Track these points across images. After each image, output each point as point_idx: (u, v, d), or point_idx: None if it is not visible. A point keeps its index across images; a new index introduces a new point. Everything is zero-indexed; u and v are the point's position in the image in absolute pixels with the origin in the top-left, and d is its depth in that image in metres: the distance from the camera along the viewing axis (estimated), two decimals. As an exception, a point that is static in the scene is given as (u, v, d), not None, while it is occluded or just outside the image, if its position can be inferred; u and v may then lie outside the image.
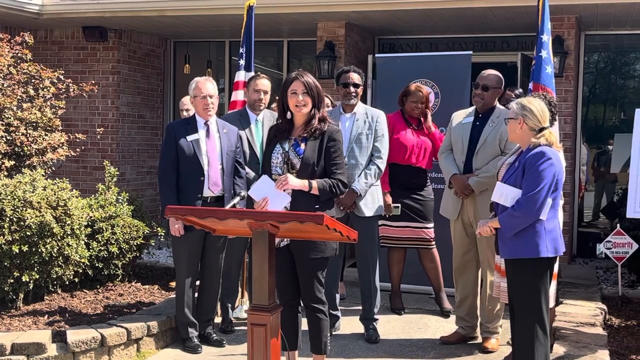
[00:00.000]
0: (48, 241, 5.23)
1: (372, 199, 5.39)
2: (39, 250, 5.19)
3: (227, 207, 4.41)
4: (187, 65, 10.20)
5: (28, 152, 5.96)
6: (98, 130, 8.28)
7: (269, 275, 3.53)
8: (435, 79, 6.77)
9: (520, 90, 6.30)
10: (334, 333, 5.42)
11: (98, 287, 6.10)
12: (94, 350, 4.74)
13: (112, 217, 6.08)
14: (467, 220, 5.19)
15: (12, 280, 5.19)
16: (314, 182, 4.10)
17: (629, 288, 6.77)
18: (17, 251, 5.09)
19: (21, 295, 5.40)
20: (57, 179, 5.70)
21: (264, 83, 5.56)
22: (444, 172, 5.36)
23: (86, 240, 5.76)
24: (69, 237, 5.39)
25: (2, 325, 5.00)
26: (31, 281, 5.25)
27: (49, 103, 6.31)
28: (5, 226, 5.09)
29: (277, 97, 4.41)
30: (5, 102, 5.89)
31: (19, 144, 5.91)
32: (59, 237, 5.29)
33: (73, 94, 6.53)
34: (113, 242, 5.99)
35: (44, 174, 5.87)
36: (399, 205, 5.93)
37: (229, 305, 5.67)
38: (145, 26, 9.27)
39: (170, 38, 10.26)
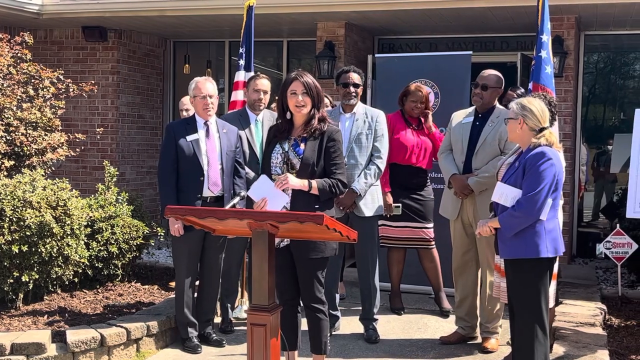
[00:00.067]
0: (48, 241, 5.23)
1: (372, 199, 5.39)
2: (39, 250, 5.19)
3: (227, 207, 4.41)
4: (187, 65, 10.20)
5: (28, 152, 5.96)
6: (98, 130, 8.28)
7: (269, 275, 3.53)
8: (435, 79, 6.77)
9: (523, 90, 6.30)
10: (333, 333, 5.42)
11: (98, 287, 6.10)
12: (93, 350, 4.74)
13: (111, 217, 6.08)
14: (467, 220, 5.19)
15: (11, 280, 5.19)
16: (314, 182, 4.10)
17: (629, 288, 6.77)
18: (17, 251, 5.09)
19: (21, 295, 5.40)
20: (56, 179, 5.70)
21: (264, 83, 5.56)
22: (444, 172, 5.36)
23: (86, 240, 5.76)
24: (69, 237, 5.39)
25: (2, 325, 4.99)
26: (31, 281, 5.25)
27: (48, 103, 6.31)
28: (5, 226, 5.09)
29: (276, 97, 4.41)
30: (5, 102, 5.89)
31: (18, 144, 5.91)
32: (58, 237, 5.29)
33: (73, 94, 6.53)
34: (113, 242, 5.99)
35: (43, 174, 5.86)
36: (400, 205, 5.93)
37: (229, 305, 5.67)
38: (145, 26, 9.27)
39: (170, 38, 10.26)
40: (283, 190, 4.04)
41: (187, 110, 6.25)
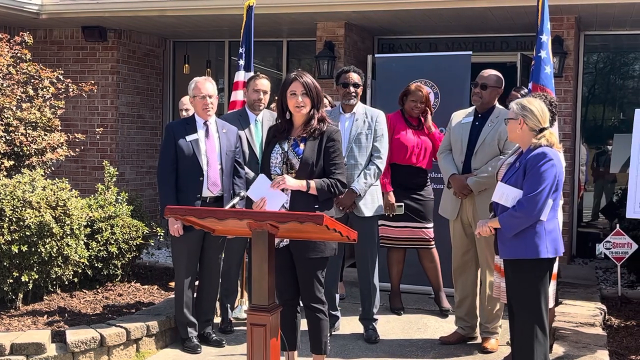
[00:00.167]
0: (47, 241, 5.23)
1: (372, 199, 5.38)
2: (39, 250, 5.18)
3: (227, 207, 4.41)
4: (187, 65, 10.19)
5: (27, 152, 5.96)
6: (97, 130, 8.28)
7: (269, 276, 3.53)
8: (435, 79, 6.77)
9: (527, 90, 6.29)
10: (333, 333, 5.42)
11: (97, 287, 6.10)
12: (93, 351, 4.74)
13: (111, 217, 6.08)
14: (466, 220, 5.19)
15: (11, 280, 5.19)
16: (312, 182, 4.10)
17: (629, 288, 6.77)
18: (17, 251, 5.08)
19: (20, 295, 5.40)
20: (56, 179, 5.70)
21: (264, 83, 5.56)
22: (443, 172, 5.37)
23: (85, 240, 5.76)
24: (69, 237, 5.39)
25: (2, 325, 4.99)
26: (30, 281, 5.24)
27: (48, 103, 6.31)
28: (5, 226, 5.08)
29: (276, 97, 4.41)
30: (5, 102, 5.89)
31: (18, 144, 5.90)
32: (58, 237, 5.29)
33: (72, 93, 6.53)
34: (112, 242, 5.98)
35: (43, 174, 5.86)
36: (402, 204, 5.93)
37: (229, 305, 5.66)
38: (144, 26, 9.27)
39: (170, 38, 10.25)
40: (282, 190, 4.04)
41: (187, 110, 6.25)
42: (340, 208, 5.22)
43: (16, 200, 5.17)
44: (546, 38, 5.34)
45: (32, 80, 6.31)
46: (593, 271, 7.71)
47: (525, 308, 4.05)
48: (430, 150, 6.00)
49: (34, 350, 4.51)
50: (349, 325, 5.70)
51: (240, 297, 5.97)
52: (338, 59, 8.35)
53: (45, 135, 6.12)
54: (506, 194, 4.03)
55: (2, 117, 5.91)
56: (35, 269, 5.25)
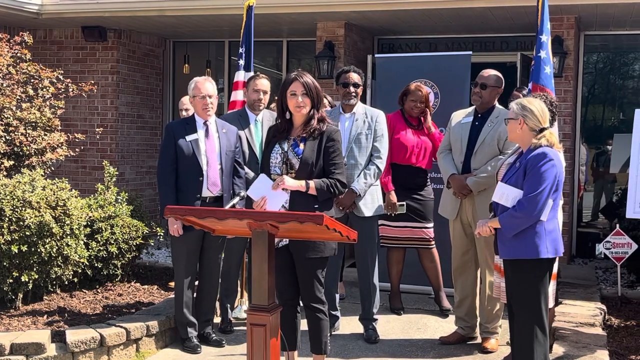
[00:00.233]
0: (47, 241, 5.22)
1: (372, 199, 5.38)
2: (38, 250, 5.18)
3: (227, 207, 4.41)
4: (187, 65, 10.19)
5: (27, 152, 5.96)
6: (97, 130, 8.28)
7: (269, 275, 3.53)
8: (435, 79, 6.77)
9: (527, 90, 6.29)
10: (333, 333, 5.41)
11: (97, 287, 6.10)
12: (93, 351, 4.74)
13: (111, 217, 6.08)
14: (466, 220, 5.19)
15: (11, 280, 5.19)
16: (311, 182, 4.10)
17: (629, 288, 6.77)
18: (17, 251, 5.08)
19: (20, 295, 5.40)
20: (56, 178, 5.69)
21: (264, 83, 5.56)
22: (442, 172, 5.37)
23: (85, 240, 5.76)
24: (68, 237, 5.39)
25: (2, 325, 4.99)
26: (30, 281, 5.24)
27: (48, 103, 6.31)
28: (5, 226, 5.08)
29: (276, 97, 4.41)
30: (5, 101, 5.89)
31: (18, 144, 5.90)
32: (58, 237, 5.29)
33: (72, 93, 6.53)
34: (112, 242, 5.98)
35: (43, 173, 5.86)
36: (404, 203, 5.93)
37: (228, 305, 5.66)
38: (144, 26, 9.27)
39: (170, 38, 10.25)
40: (282, 189, 4.05)
41: (187, 110, 6.25)
42: (340, 208, 5.22)
43: (16, 200, 5.17)
44: (546, 38, 5.34)
45: (32, 80, 6.31)
46: (593, 271, 7.70)
47: (525, 308, 4.05)
48: (430, 150, 6.00)
49: (33, 350, 4.51)
50: (349, 325, 5.70)
51: (240, 297, 5.97)
52: (338, 59, 8.35)
53: (45, 135, 6.12)
54: (506, 194, 4.03)
55: (2, 117, 5.91)
56: (35, 269, 5.25)
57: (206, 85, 5.08)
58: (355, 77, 5.39)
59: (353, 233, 3.61)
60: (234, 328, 5.62)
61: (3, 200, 5.14)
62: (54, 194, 5.40)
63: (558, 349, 4.78)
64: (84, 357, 4.70)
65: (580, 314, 5.57)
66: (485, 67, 5.35)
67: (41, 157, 6.06)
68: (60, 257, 5.36)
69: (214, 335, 5.33)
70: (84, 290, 5.98)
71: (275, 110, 4.50)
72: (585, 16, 7.82)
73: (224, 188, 5.09)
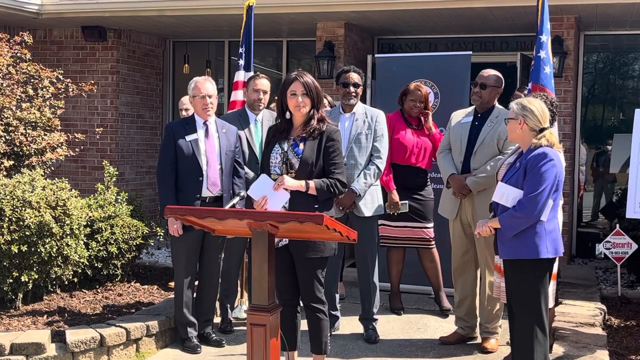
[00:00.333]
0: (47, 241, 5.22)
1: (372, 199, 5.38)
2: (38, 250, 5.18)
3: (227, 207, 4.41)
4: (187, 65, 10.19)
5: (27, 152, 5.96)
6: (97, 130, 8.28)
7: (269, 275, 3.53)
8: (435, 79, 6.76)
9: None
10: (333, 333, 5.41)
11: (97, 287, 6.09)
12: (93, 351, 4.74)
13: (111, 217, 6.08)
14: (466, 220, 5.19)
15: (11, 280, 5.18)
16: (311, 182, 4.10)
17: (628, 288, 6.77)
18: (16, 251, 5.08)
19: (20, 295, 5.40)
20: (56, 178, 5.69)
21: (263, 83, 5.55)
22: (442, 172, 5.36)
23: (85, 240, 5.75)
24: (68, 237, 5.38)
25: (2, 325, 4.99)
26: (30, 281, 5.24)
27: (48, 103, 6.30)
28: (5, 226, 5.08)
29: (276, 97, 4.41)
30: (5, 101, 5.89)
31: (18, 144, 5.90)
32: (58, 237, 5.29)
33: (72, 93, 6.52)
34: (112, 242, 5.98)
35: (43, 173, 5.86)
36: (407, 202, 5.93)
37: (228, 305, 5.66)
38: (144, 26, 9.26)
39: (170, 38, 10.25)
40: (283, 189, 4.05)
41: (187, 110, 6.25)
42: (340, 208, 5.22)
43: (16, 200, 5.17)
44: (546, 38, 5.34)
45: (32, 80, 6.30)
46: (593, 271, 7.70)
47: (525, 308, 4.05)
48: (430, 150, 6.00)
49: (33, 350, 4.51)
50: (349, 325, 5.70)
51: (240, 297, 5.97)
52: (338, 59, 8.35)
53: (45, 135, 6.12)
54: (506, 194, 4.03)
55: (2, 117, 5.90)
56: (35, 269, 5.24)
57: (206, 85, 5.08)
58: (355, 77, 5.39)
59: (353, 233, 3.61)
60: (234, 328, 5.62)
61: (3, 200, 5.14)
62: (54, 194, 5.40)
63: (558, 349, 4.78)
64: (83, 357, 4.70)
65: (580, 314, 5.57)
66: (485, 67, 5.35)
67: (41, 157, 6.06)
68: (60, 257, 5.36)
69: (214, 335, 5.33)
70: (84, 290, 5.98)
71: (275, 110, 4.50)
72: (585, 16, 7.82)
73: (224, 188, 5.09)
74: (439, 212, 5.51)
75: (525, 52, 8.08)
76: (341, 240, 3.63)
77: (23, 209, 5.15)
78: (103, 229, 5.98)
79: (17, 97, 6.04)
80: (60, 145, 6.19)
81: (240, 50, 6.33)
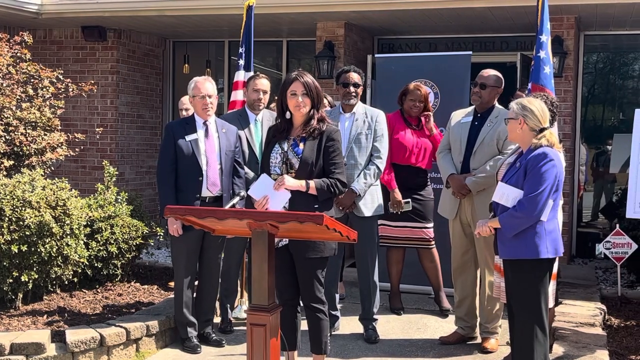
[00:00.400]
0: (47, 241, 5.22)
1: (372, 199, 5.38)
2: (38, 250, 5.18)
3: (227, 207, 4.41)
4: (186, 65, 10.19)
5: (27, 152, 5.96)
6: (97, 130, 8.28)
7: (269, 275, 3.53)
8: (435, 79, 6.77)
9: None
10: (333, 333, 5.41)
11: (97, 287, 6.09)
12: (93, 350, 4.74)
13: (111, 217, 6.08)
14: (465, 220, 5.19)
15: (11, 280, 5.18)
16: (312, 182, 4.10)
17: (628, 288, 6.77)
18: (16, 251, 5.08)
19: (20, 295, 5.40)
20: (56, 178, 5.69)
21: (263, 83, 5.55)
22: (442, 172, 5.37)
23: (85, 240, 5.75)
24: (68, 237, 5.38)
25: (1, 325, 4.99)
26: (30, 281, 5.24)
27: (48, 103, 6.31)
28: (5, 226, 5.08)
29: (276, 97, 4.41)
30: (5, 101, 5.89)
31: (18, 144, 5.90)
32: (58, 237, 5.29)
33: (72, 93, 6.52)
34: (112, 242, 5.98)
35: (43, 173, 5.86)
36: (410, 200, 5.93)
37: (228, 305, 5.66)
38: (144, 26, 9.26)
39: (170, 38, 10.25)
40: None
41: (187, 109, 6.24)
42: (340, 208, 5.22)
43: (16, 200, 5.17)
44: (546, 38, 5.34)
45: (32, 80, 6.31)
46: (593, 271, 7.71)
47: (525, 308, 4.05)
48: (430, 150, 5.99)
49: (33, 350, 4.51)
50: (349, 325, 5.70)
51: (240, 297, 5.97)
52: (338, 59, 8.35)
53: (45, 135, 6.12)
54: (506, 194, 4.03)
55: (2, 116, 5.90)
56: (35, 269, 5.24)
57: (206, 85, 5.08)
58: (355, 77, 5.39)
59: (353, 233, 3.61)
60: (234, 328, 5.62)
61: (3, 200, 5.14)
62: (54, 194, 5.40)
63: (558, 349, 4.78)
64: (83, 357, 4.70)
65: (580, 314, 5.58)
66: (486, 67, 5.35)
67: (41, 157, 6.06)
68: (60, 257, 5.36)
69: (214, 335, 5.33)
70: (84, 290, 5.98)
71: (275, 110, 4.50)
72: (585, 16, 7.82)
73: (224, 188, 5.09)
74: (439, 212, 5.51)
75: (525, 52, 8.08)
76: (341, 240, 3.63)
77: (23, 208, 5.15)
78: (103, 228, 5.98)
79: (17, 97, 6.04)
80: (60, 145, 6.19)
81: (240, 50, 6.33)
